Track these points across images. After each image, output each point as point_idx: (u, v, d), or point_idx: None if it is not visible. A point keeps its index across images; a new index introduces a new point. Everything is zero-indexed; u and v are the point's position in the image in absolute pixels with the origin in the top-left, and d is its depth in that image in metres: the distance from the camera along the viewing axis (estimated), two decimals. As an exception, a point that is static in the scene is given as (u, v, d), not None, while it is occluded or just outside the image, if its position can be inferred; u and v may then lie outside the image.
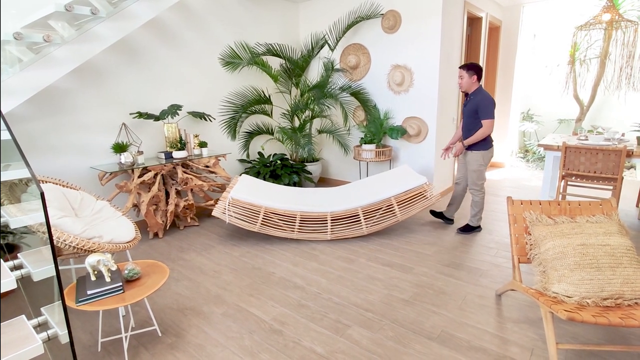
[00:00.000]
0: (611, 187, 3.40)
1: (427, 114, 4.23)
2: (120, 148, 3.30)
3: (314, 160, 4.95)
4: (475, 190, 3.32)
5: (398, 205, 3.32)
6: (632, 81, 5.44)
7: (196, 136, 3.80)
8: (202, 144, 3.82)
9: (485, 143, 3.21)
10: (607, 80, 5.70)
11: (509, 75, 5.91)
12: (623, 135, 3.97)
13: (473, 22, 4.97)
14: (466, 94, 3.26)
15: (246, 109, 4.45)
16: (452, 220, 3.69)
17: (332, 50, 4.71)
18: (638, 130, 5.53)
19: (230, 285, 2.61)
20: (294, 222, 3.29)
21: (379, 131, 4.44)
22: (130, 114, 3.48)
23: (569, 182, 3.71)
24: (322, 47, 4.76)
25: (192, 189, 3.58)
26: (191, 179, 3.52)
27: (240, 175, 3.84)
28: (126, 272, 1.87)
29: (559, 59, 6.41)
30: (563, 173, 3.52)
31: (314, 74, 5.05)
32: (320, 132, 5.01)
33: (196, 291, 2.53)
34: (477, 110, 3.11)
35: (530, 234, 2.12)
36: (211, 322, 2.18)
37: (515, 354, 1.85)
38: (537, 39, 6.65)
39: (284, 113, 4.82)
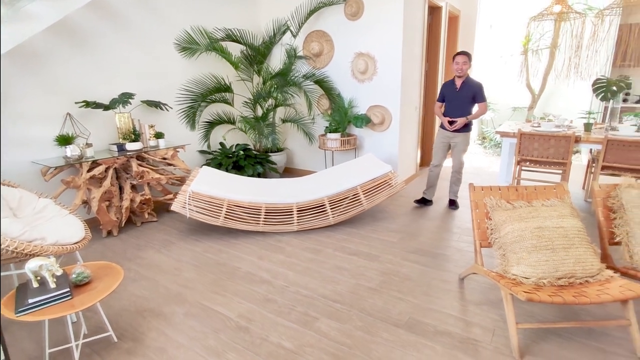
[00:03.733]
0: (561, 171, 3.60)
1: (390, 103, 4.25)
2: (65, 140, 3.03)
3: (278, 150, 4.85)
4: (461, 169, 3.66)
5: (364, 194, 3.32)
6: (579, 70, 5.76)
7: (151, 126, 3.57)
8: (159, 135, 3.60)
9: (470, 125, 3.61)
10: (557, 69, 6.00)
11: (468, 64, 6.05)
12: (571, 122, 4.20)
13: (434, 11, 5.02)
14: (452, 81, 3.50)
15: (205, 97, 4.24)
16: (432, 201, 3.90)
17: (295, 36, 4.59)
18: (585, 117, 5.88)
19: (192, 282, 2.49)
20: (259, 215, 3.20)
21: (344, 120, 4.41)
22: (76, 102, 3.19)
23: (522, 167, 3.88)
24: (284, 33, 4.62)
25: (148, 183, 3.38)
26: (147, 172, 3.32)
27: (201, 167, 3.67)
28: (74, 276, 1.72)
29: (513, 49, 6.66)
30: (518, 159, 3.67)
31: (276, 61, 4.90)
32: (284, 121, 4.90)
33: (155, 291, 2.40)
34: (474, 94, 3.41)
35: (491, 219, 2.18)
36: (172, 323, 2.07)
37: (478, 335, 1.91)
38: (493, 29, 6.87)
39: (246, 102, 4.66)
